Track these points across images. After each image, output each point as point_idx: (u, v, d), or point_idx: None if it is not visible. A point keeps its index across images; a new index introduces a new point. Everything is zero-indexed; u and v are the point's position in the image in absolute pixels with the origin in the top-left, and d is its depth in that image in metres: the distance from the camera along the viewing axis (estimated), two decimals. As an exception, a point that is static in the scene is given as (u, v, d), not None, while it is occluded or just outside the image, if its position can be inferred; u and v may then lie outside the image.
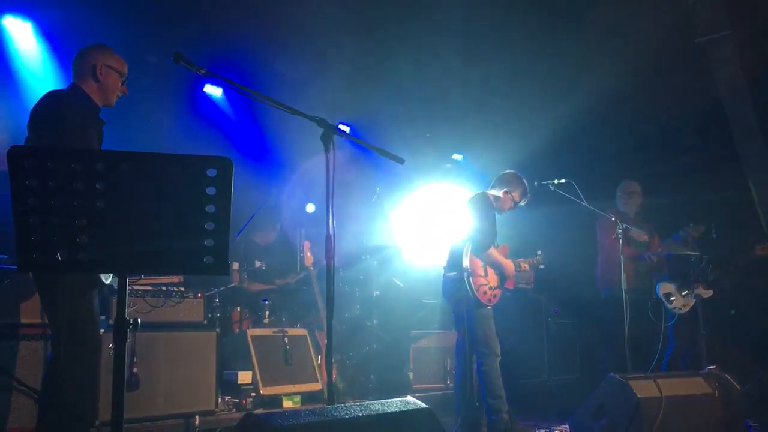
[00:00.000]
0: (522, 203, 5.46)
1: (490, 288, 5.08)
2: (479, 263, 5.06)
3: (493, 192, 5.36)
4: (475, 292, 4.93)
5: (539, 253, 5.78)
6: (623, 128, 8.31)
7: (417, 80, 7.25)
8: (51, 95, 3.44)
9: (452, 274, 5.10)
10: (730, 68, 6.67)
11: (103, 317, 4.41)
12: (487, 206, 5.15)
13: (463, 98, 7.74)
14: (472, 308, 4.97)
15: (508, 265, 5.26)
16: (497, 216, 5.35)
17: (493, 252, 5.13)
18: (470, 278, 4.91)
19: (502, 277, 5.23)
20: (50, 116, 3.31)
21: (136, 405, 4.52)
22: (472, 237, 5.03)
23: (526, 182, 5.47)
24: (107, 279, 3.51)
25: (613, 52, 7.44)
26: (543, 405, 7.24)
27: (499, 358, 5.07)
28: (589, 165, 7.60)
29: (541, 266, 5.76)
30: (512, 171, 5.51)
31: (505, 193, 5.36)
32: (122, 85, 3.66)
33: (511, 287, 5.36)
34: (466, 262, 4.98)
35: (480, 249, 5.02)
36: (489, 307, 5.07)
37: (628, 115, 8.24)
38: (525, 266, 5.59)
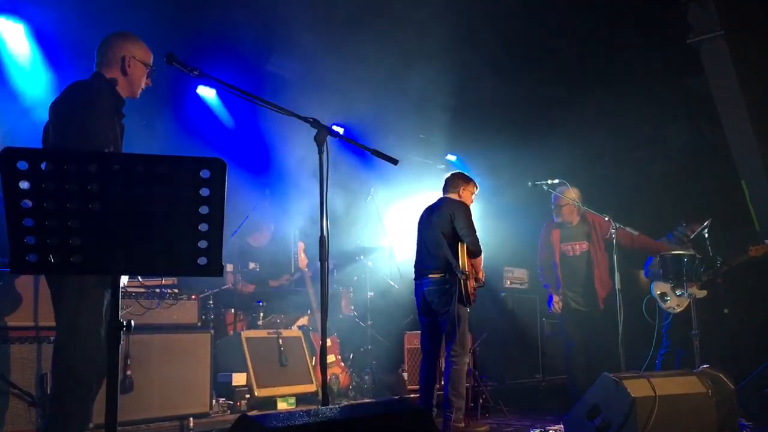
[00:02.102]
0: (477, 191, 5.71)
1: (475, 289, 5.30)
2: (469, 265, 5.20)
3: (455, 196, 5.49)
4: (469, 292, 5.02)
5: None
6: (617, 128, 8.33)
7: (411, 81, 7.24)
8: (78, 85, 3.33)
9: (438, 275, 5.17)
10: (722, 68, 6.70)
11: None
12: (469, 213, 5.34)
13: (458, 100, 7.75)
14: (458, 308, 5.07)
15: (482, 271, 5.54)
16: (474, 208, 5.62)
17: (481, 257, 5.39)
18: (467, 281, 5.03)
19: (476, 277, 5.41)
20: (79, 108, 3.21)
21: (130, 407, 4.50)
22: (469, 243, 5.17)
23: (468, 176, 5.70)
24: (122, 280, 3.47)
25: (607, 52, 7.48)
26: (538, 404, 7.26)
27: (468, 358, 5.25)
28: (583, 165, 7.63)
29: None
30: (455, 172, 5.73)
31: (464, 191, 5.53)
32: (147, 77, 3.57)
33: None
34: (462, 264, 5.10)
35: (476, 255, 5.25)
36: (468, 309, 5.22)
37: (622, 115, 8.27)
38: None
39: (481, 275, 5.46)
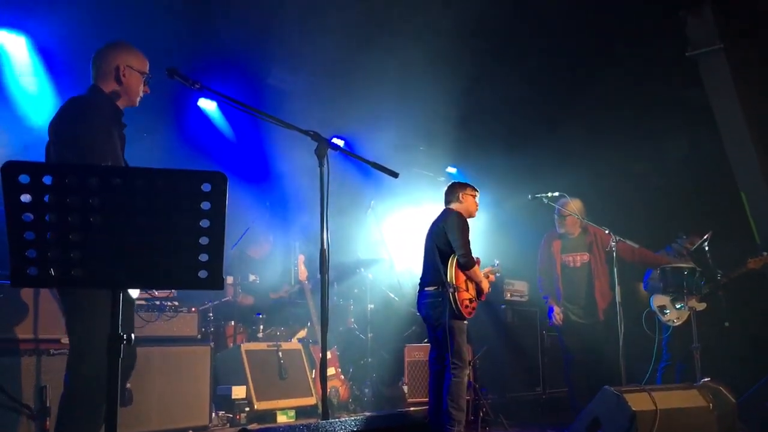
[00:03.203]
0: (478, 195, 5.64)
1: (470, 301, 5.21)
2: (462, 277, 5.16)
3: (456, 206, 5.44)
4: (459, 306, 5.01)
5: (497, 262, 5.95)
6: (616, 141, 8.35)
7: (412, 94, 7.27)
8: (75, 101, 3.32)
9: (432, 288, 5.18)
10: (721, 81, 6.72)
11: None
12: (465, 226, 5.29)
13: (458, 112, 7.77)
14: (451, 321, 5.04)
15: (486, 283, 5.43)
16: (474, 221, 5.55)
17: (477, 269, 5.29)
18: (456, 293, 5.01)
19: (479, 290, 5.35)
20: (76, 123, 3.21)
21: (130, 420, 4.48)
22: (459, 255, 5.15)
23: (467, 183, 5.65)
24: (134, 294, 3.46)
25: (607, 65, 7.51)
26: (538, 418, 7.23)
27: (468, 371, 5.19)
28: (582, 178, 7.63)
29: (498, 274, 5.94)
30: (452, 182, 5.69)
31: (465, 196, 5.49)
32: (144, 85, 3.55)
33: (483, 298, 5.48)
34: (451, 277, 5.07)
35: (467, 267, 5.17)
36: (466, 321, 5.18)
37: (622, 128, 8.29)
38: (492, 277, 5.76)
39: (484, 287, 5.36)
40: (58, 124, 3.26)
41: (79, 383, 3.05)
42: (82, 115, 3.25)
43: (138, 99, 3.56)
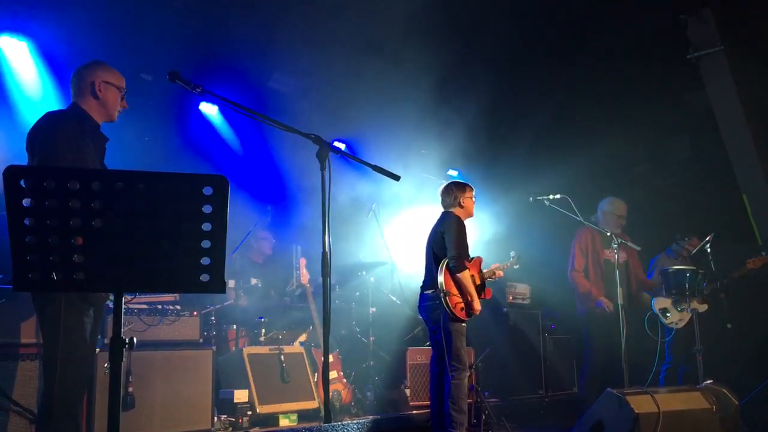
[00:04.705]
0: (474, 194, 5.56)
1: (465, 304, 5.17)
2: (452, 281, 5.13)
3: (457, 210, 5.40)
4: (453, 309, 5.02)
5: (513, 254, 5.90)
6: (618, 143, 8.35)
7: (412, 96, 7.27)
8: (47, 116, 3.43)
9: (430, 291, 5.21)
10: (722, 83, 6.72)
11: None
12: (462, 230, 5.25)
13: (459, 115, 7.78)
14: (448, 324, 5.04)
15: (475, 296, 5.18)
16: (472, 221, 5.51)
17: (467, 276, 5.14)
18: (447, 297, 5.00)
19: (479, 288, 5.33)
20: (44, 138, 3.30)
21: (132, 425, 4.49)
22: (449, 257, 5.12)
23: (462, 181, 5.59)
24: (110, 295, 3.48)
25: (608, 67, 7.52)
26: (541, 420, 7.22)
27: (468, 373, 5.17)
28: (584, 180, 7.64)
29: (516, 266, 5.91)
30: (448, 182, 5.56)
31: (464, 199, 5.44)
32: (122, 99, 3.65)
33: (488, 296, 5.48)
34: (441, 281, 5.07)
35: (455, 271, 5.09)
36: (464, 323, 5.16)
37: (624, 130, 8.29)
38: (500, 273, 5.73)
39: (473, 297, 5.13)
40: (29, 137, 3.36)
41: (51, 384, 3.09)
42: (49, 130, 3.34)
43: (116, 113, 3.66)
